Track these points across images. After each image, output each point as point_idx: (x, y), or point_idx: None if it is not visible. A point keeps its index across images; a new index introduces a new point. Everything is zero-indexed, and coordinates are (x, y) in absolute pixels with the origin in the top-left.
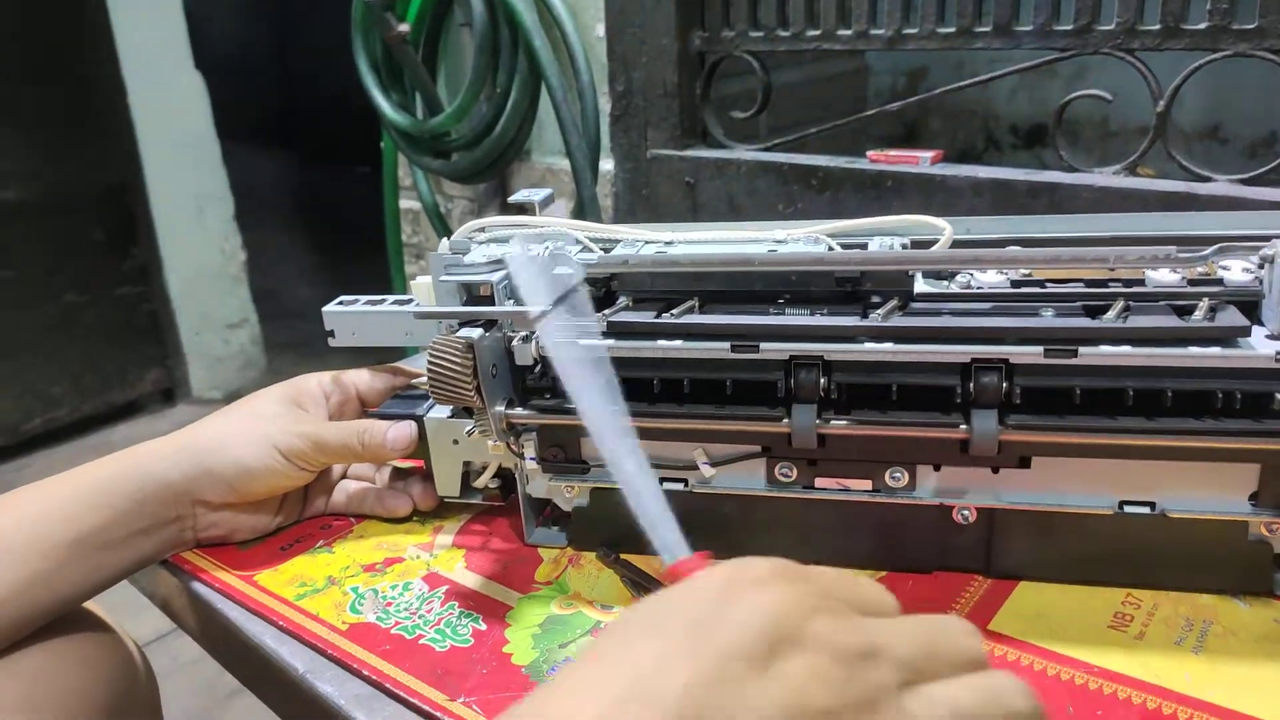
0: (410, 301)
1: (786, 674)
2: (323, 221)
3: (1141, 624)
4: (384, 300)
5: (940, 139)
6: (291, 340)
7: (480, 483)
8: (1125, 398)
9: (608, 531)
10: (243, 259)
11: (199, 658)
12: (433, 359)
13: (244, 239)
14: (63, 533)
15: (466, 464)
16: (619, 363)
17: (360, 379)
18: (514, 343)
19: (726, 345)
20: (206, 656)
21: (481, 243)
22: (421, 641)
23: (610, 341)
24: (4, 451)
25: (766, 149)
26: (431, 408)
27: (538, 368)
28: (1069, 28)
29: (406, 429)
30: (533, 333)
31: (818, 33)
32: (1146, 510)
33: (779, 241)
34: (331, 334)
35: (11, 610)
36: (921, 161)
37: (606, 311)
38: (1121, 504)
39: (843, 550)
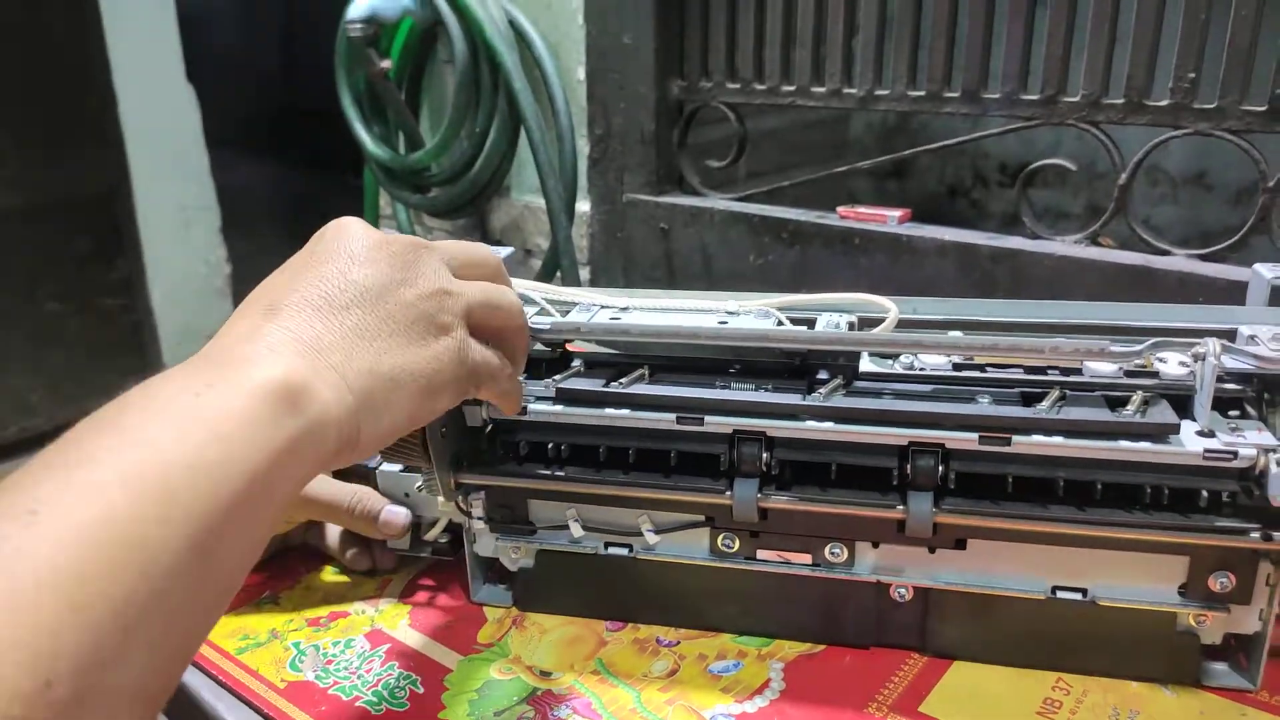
0: None
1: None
2: (310, 234)
3: (1069, 711)
4: None
5: (929, 174)
6: None
7: (430, 536)
8: (1057, 486)
9: (555, 594)
10: (227, 272)
11: None
12: None
13: (229, 252)
14: None
15: (417, 517)
16: (567, 429)
17: None
18: (464, 404)
19: (672, 417)
20: None
21: None
22: (358, 704)
23: (559, 408)
24: None
25: (739, 199)
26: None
27: (488, 429)
28: (1035, 98)
29: (402, 516)
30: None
31: (792, 88)
32: (1078, 596)
33: (730, 313)
34: None
35: None
36: (889, 220)
37: (557, 377)
38: (1054, 589)
39: (783, 621)
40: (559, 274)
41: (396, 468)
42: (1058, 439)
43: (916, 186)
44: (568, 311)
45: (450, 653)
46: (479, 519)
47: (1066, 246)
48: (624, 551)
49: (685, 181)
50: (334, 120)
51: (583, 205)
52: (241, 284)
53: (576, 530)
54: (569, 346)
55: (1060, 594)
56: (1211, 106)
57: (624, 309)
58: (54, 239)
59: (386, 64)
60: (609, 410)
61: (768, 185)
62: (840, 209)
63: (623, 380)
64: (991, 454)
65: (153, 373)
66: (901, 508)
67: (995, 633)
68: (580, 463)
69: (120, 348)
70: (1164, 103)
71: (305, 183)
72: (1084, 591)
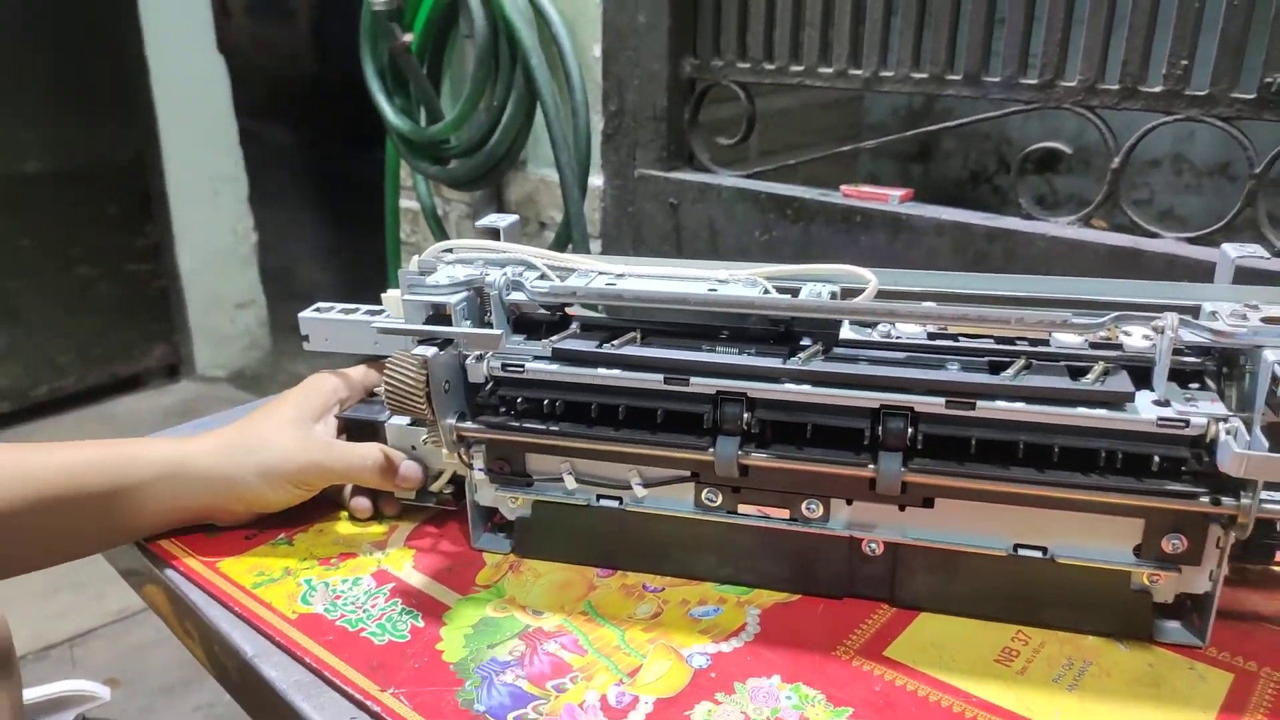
0: (382, 312)
1: None
2: (335, 205)
3: (1026, 660)
4: (358, 310)
5: (953, 160)
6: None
7: (435, 487)
8: (1019, 450)
9: (549, 541)
10: (254, 240)
11: None
12: (389, 373)
13: (256, 220)
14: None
15: (423, 469)
16: (562, 387)
17: (370, 378)
18: (468, 361)
19: (660, 377)
20: None
21: (449, 262)
22: (363, 634)
23: (555, 366)
24: (10, 417)
25: (747, 176)
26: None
27: (489, 385)
28: (1034, 82)
29: (418, 470)
30: (486, 352)
31: (801, 68)
32: (1038, 554)
33: (720, 281)
34: (306, 338)
35: None
36: (891, 200)
37: (555, 337)
38: (1015, 547)
39: (762, 572)
40: (570, 246)
41: (404, 421)
42: (1019, 405)
43: (939, 171)
44: (566, 277)
45: (450, 592)
46: (479, 470)
47: (1059, 227)
48: (614, 503)
49: (695, 158)
50: (360, 94)
51: (595, 180)
52: (268, 253)
53: (570, 482)
54: (568, 311)
55: (1021, 551)
56: (1203, 94)
57: (619, 275)
58: (85, 204)
59: (408, 38)
60: (601, 370)
61: (776, 164)
62: (844, 187)
63: (615, 342)
64: (957, 418)
65: (178, 337)
66: (873, 467)
67: (959, 586)
68: (574, 419)
69: (148, 312)
70: (1158, 89)
71: (331, 155)
72: (1044, 550)
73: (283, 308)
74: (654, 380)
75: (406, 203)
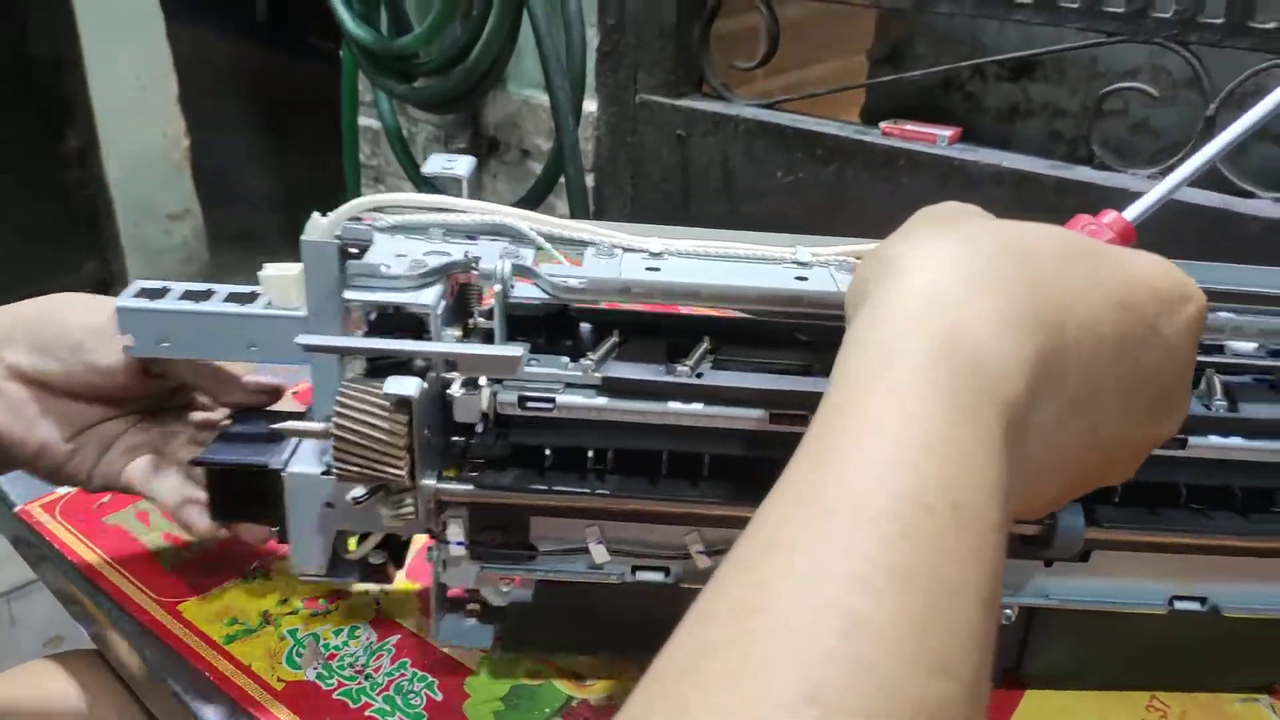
0: (254, 298)
1: None
2: (277, 103)
3: None
4: (210, 294)
5: (924, 63)
6: (238, 233)
7: (359, 553)
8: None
9: (558, 630)
10: (186, 145)
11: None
12: (344, 422)
13: (188, 123)
14: None
15: (339, 533)
16: (613, 428)
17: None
18: (453, 392)
19: (762, 413)
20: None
21: (384, 230)
22: (368, 713)
23: (603, 401)
24: None
25: (769, 105)
26: (295, 454)
27: (482, 426)
28: (1120, 10)
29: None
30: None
31: None
32: (1197, 606)
33: (803, 265)
34: (130, 338)
35: None
36: (939, 140)
37: (594, 356)
38: (1171, 600)
39: None
40: (564, 181)
41: (312, 469)
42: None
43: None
44: (580, 254)
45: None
46: (457, 544)
47: (1140, 181)
48: (658, 576)
49: (706, 83)
50: None
51: (589, 105)
52: (203, 159)
53: (600, 554)
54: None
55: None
56: None
57: (657, 254)
58: None
59: None
60: (675, 405)
61: (786, 87)
62: (884, 125)
63: (689, 362)
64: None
65: (110, 251)
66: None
67: (1105, 650)
68: (628, 471)
69: (75, 224)
70: (1270, 25)
71: (272, 47)
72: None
73: (221, 217)
74: (752, 418)
75: (366, 120)
